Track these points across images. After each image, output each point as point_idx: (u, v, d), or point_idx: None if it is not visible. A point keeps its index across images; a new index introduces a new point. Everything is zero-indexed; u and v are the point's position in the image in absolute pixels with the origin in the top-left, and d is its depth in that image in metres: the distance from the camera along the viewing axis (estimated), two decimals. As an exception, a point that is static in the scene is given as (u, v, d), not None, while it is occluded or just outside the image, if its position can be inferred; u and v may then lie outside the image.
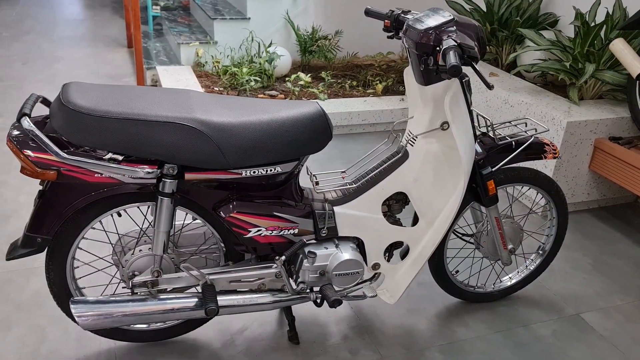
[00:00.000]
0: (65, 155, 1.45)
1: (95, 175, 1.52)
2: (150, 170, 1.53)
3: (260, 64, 4.22)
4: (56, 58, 4.97)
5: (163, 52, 4.83)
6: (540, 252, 2.26)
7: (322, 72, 4.40)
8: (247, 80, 4.01)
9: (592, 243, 2.74)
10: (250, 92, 3.98)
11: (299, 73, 4.20)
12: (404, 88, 4.28)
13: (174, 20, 5.38)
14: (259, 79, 4.08)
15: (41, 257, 2.29)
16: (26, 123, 1.44)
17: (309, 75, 4.25)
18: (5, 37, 5.46)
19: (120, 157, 1.52)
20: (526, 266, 2.28)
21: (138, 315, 1.66)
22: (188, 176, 1.58)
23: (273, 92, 4.02)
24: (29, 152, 1.46)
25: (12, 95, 4.04)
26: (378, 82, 4.27)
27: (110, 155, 1.52)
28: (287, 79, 4.23)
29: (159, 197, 1.59)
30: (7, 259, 1.58)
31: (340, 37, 4.87)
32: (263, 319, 2.08)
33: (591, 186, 2.96)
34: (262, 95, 3.95)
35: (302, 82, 4.12)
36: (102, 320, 1.63)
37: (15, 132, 1.49)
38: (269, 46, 4.35)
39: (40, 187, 1.60)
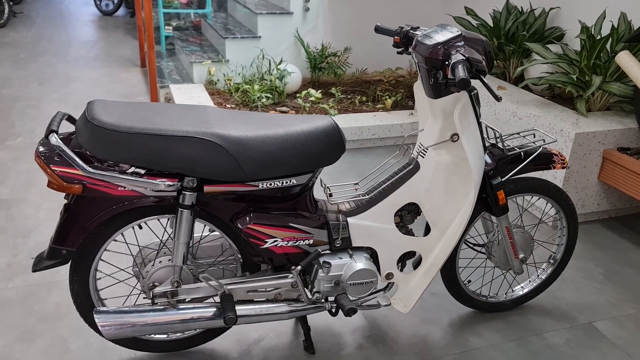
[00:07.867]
0: (90, 169, 1.51)
1: (119, 188, 1.57)
2: (171, 183, 1.58)
3: (271, 81, 4.30)
4: (71, 78, 5.09)
5: (175, 71, 4.93)
6: (552, 261, 2.29)
7: (332, 88, 4.47)
8: (258, 97, 4.09)
9: (604, 253, 2.76)
10: (262, 108, 4.06)
11: (309, 89, 4.28)
12: (413, 102, 4.34)
13: (185, 40, 5.50)
14: (270, 96, 4.16)
15: (61, 270, 2.35)
16: (54, 139, 1.51)
17: (319, 91, 4.32)
18: (22, 59, 5.60)
19: (142, 171, 1.58)
20: (538, 275, 2.31)
21: (159, 324, 1.71)
22: (207, 189, 1.64)
23: (284, 108, 4.09)
24: (56, 167, 1.52)
25: (30, 114, 4.14)
26: (387, 97, 4.34)
27: (133, 169, 1.58)
28: (297, 95, 4.30)
29: (179, 209, 1.64)
30: (34, 271, 1.64)
31: (349, 54, 4.96)
32: (279, 330, 2.12)
33: (601, 197, 2.98)
34: (273, 112, 4.03)
35: (312, 98, 4.19)
36: (125, 330, 1.68)
37: (42, 148, 1.55)
38: (280, 63, 4.43)
39: (65, 201, 1.66)
